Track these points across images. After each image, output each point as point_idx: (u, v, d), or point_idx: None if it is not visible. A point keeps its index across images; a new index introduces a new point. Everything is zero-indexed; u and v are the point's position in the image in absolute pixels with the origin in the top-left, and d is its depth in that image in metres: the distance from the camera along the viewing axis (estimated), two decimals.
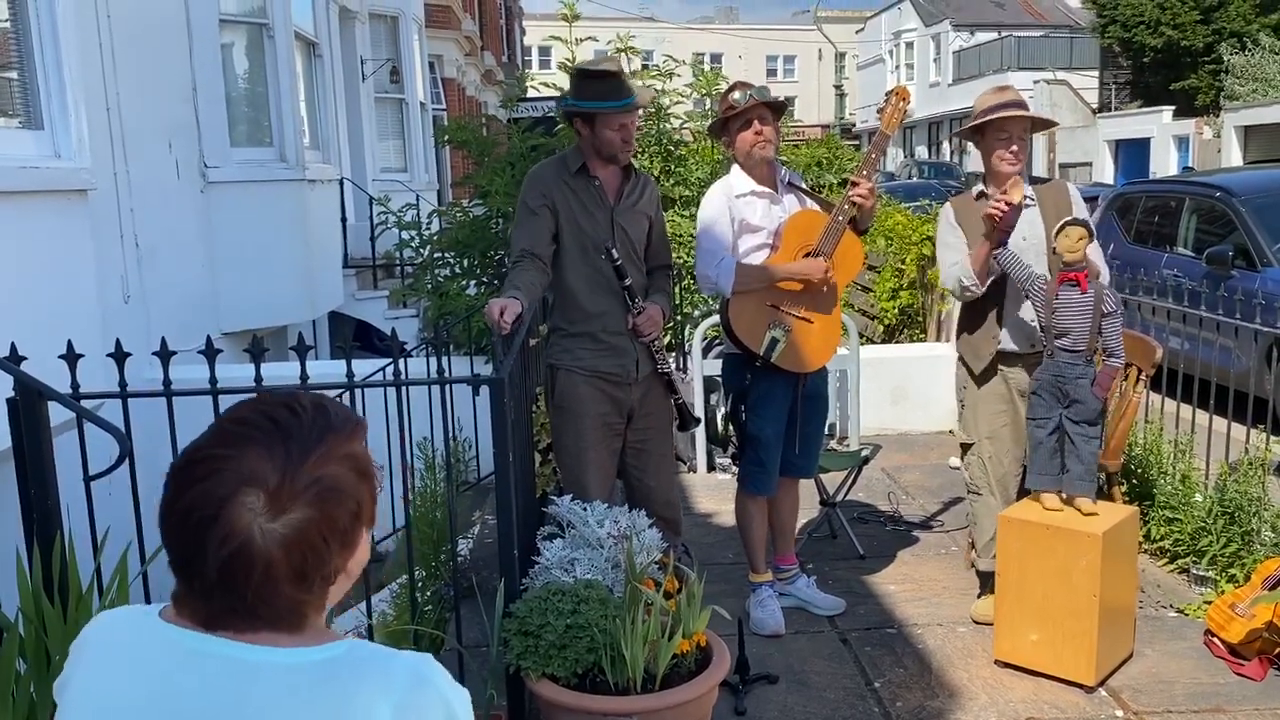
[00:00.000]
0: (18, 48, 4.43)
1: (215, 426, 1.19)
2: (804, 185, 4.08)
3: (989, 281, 3.75)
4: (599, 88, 3.53)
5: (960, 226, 3.86)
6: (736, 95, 3.79)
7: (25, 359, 2.73)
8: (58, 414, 2.72)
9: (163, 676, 1.15)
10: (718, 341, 6.34)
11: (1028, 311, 3.76)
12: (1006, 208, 3.57)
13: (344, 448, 1.18)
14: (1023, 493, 3.93)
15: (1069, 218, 3.59)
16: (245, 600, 1.13)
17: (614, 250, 3.55)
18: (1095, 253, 3.74)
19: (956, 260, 3.82)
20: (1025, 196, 3.79)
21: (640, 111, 6.98)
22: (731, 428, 3.93)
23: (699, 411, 5.81)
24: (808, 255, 3.78)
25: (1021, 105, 3.77)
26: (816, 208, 3.94)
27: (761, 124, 3.78)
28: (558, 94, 3.87)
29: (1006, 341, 3.82)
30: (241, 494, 1.11)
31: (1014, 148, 3.73)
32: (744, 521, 4.07)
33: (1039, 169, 26.59)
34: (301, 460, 1.14)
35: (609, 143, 3.56)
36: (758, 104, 3.76)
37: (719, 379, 5.57)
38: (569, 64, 6.16)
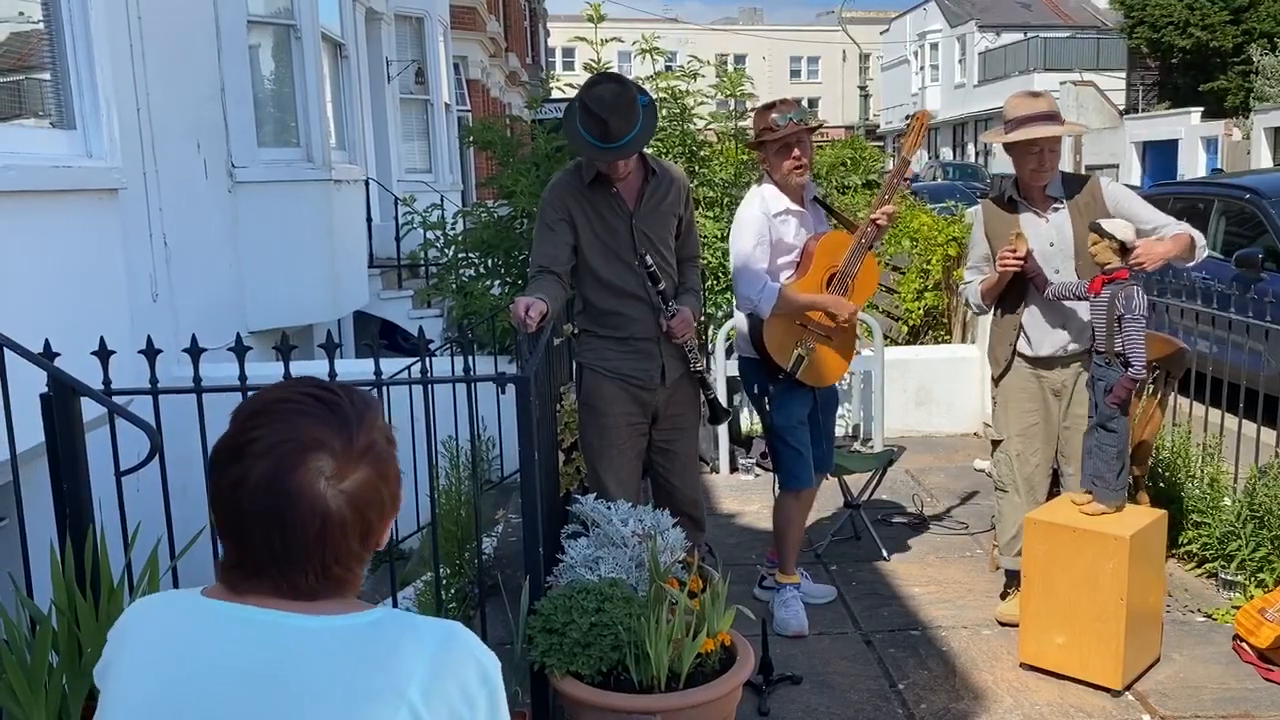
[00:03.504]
0: (50, 48, 4.48)
1: (251, 409, 1.24)
2: (826, 202, 4.20)
3: (993, 303, 3.87)
4: (595, 128, 3.37)
5: (989, 237, 3.87)
6: (775, 116, 3.79)
7: (59, 355, 2.76)
8: (89, 410, 2.75)
9: (212, 648, 1.20)
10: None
11: (1052, 317, 3.76)
12: (1019, 262, 3.62)
13: (378, 419, 1.29)
14: (1052, 494, 3.92)
15: (1090, 222, 3.57)
16: (324, 562, 1.21)
17: (648, 257, 3.52)
18: (1170, 226, 3.69)
19: (971, 280, 3.97)
20: (1054, 199, 3.78)
21: (663, 111, 7.02)
22: (759, 424, 3.99)
23: None
24: (833, 276, 3.90)
25: (1053, 118, 3.68)
26: (835, 224, 4.08)
27: (801, 150, 3.81)
28: (557, 125, 3.72)
29: (1036, 346, 3.81)
30: (311, 460, 1.19)
31: (1044, 161, 3.70)
32: (783, 523, 4.08)
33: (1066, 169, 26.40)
34: (357, 427, 1.24)
35: (610, 168, 3.49)
36: (797, 129, 3.77)
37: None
38: (594, 65, 6.16)
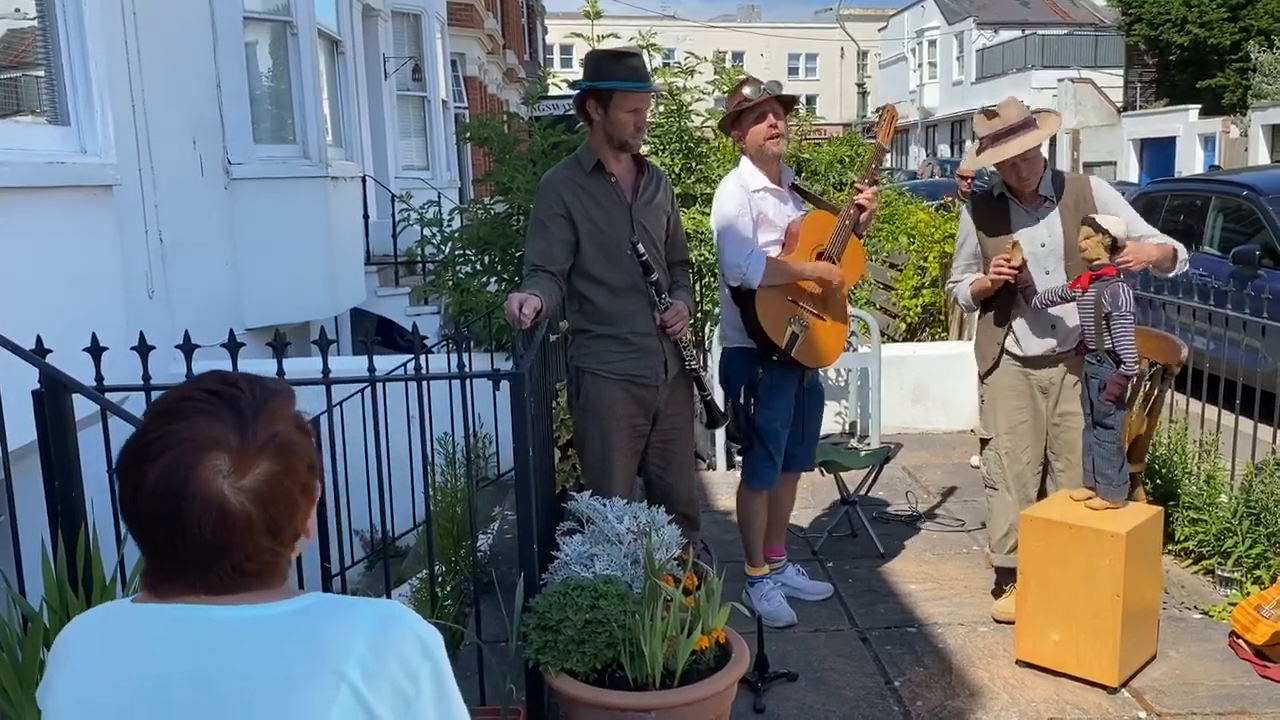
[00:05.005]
0: (45, 45, 4.47)
1: (155, 410, 1.23)
2: (807, 188, 4.22)
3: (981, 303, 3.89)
4: (617, 69, 3.51)
5: (979, 234, 3.86)
6: (747, 90, 3.85)
7: (50, 351, 2.75)
8: (82, 407, 2.74)
9: (143, 650, 1.19)
10: None
11: (1043, 322, 3.76)
12: (1013, 272, 3.65)
13: (285, 408, 1.26)
14: (1043, 492, 3.91)
15: (1084, 216, 3.57)
16: (233, 559, 1.19)
17: (639, 245, 3.52)
18: (1154, 236, 3.73)
19: (960, 280, 3.96)
20: (1045, 198, 3.77)
21: (660, 107, 7.02)
22: (735, 419, 3.97)
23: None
24: (819, 255, 3.89)
25: (1014, 130, 3.66)
26: (813, 208, 4.06)
27: (775, 118, 3.84)
28: (572, 86, 3.84)
29: (1026, 347, 3.80)
30: (207, 459, 1.17)
31: (1020, 172, 3.71)
32: (747, 517, 4.10)
33: (1063, 168, 26.40)
34: (254, 420, 1.21)
35: (621, 126, 3.52)
36: (769, 98, 3.82)
37: None
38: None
